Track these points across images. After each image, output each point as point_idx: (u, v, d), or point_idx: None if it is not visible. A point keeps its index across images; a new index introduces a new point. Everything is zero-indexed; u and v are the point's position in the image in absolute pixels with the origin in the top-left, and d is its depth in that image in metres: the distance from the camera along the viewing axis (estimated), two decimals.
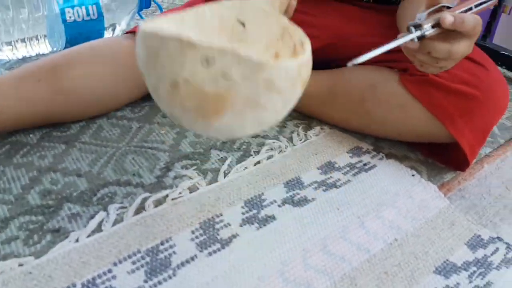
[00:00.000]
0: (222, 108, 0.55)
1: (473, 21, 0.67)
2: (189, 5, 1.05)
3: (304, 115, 1.04)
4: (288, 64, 0.55)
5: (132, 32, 1.00)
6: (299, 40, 0.65)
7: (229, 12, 0.70)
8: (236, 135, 0.63)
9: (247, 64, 0.53)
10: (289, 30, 0.68)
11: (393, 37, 0.92)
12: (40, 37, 1.13)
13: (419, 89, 0.86)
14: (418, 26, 0.67)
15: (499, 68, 1.27)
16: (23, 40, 1.11)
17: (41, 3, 1.10)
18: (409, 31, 0.67)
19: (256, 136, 0.94)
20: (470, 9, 0.71)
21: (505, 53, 1.29)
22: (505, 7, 1.38)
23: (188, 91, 0.54)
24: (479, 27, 0.69)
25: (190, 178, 0.82)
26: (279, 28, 0.70)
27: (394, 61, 0.91)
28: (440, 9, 0.70)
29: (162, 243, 0.69)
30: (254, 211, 0.77)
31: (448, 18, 0.66)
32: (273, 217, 0.76)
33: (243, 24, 0.71)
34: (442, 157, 0.93)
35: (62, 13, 1.13)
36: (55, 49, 1.18)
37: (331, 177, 0.86)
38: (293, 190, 0.82)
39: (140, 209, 0.75)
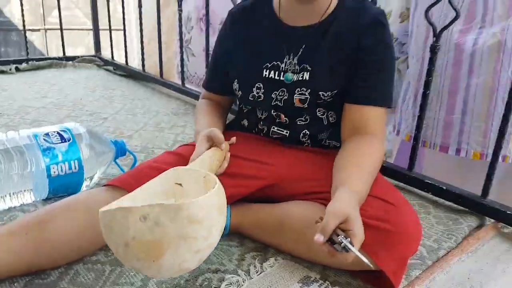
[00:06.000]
0: (162, 249, 0.75)
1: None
2: (162, 158, 1.24)
3: (261, 245, 1.20)
4: (199, 200, 0.78)
5: (109, 185, 1.14)
6: (213, 183, 0.90)
7: (170, 179, 0.96)
8: (184, 268, 0.81)
9: (170, 209, 0.74)
10: (208, 178, 0.95)
11: (330, 180, 1.09)
12: (26, 191, 1.27)
13: None
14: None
15: (424, 193, 1.49)
16: (11, 194, 1.25)
17: (29, 161, 1.25)
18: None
19: (216, 271, 1.08)
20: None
21: (429, 181, 1.51)
22: (425, 143, 1.63)
23: (136, 245, 0.74)
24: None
25: None
26: (203, 180, 0.96)
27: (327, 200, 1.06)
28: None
29: None
30: None
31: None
32: None
33: (180, 185, 0.96)
34: (377, 282, 1.06)
35: (48, 169, 1.28)
36: (38, 199, 1.31)
37: None
38: None
39: None
